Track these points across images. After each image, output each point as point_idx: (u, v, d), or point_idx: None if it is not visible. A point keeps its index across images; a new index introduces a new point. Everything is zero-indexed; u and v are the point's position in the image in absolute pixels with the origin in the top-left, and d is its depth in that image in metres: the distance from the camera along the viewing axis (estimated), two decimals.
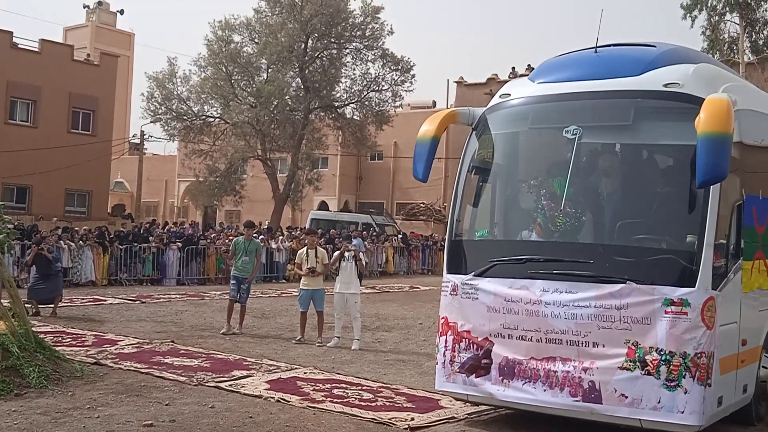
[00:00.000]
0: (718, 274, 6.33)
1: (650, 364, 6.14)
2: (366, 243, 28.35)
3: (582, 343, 6.40)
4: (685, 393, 6.05)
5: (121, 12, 70.94)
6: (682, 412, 6.04)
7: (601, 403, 6.30)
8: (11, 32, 36.69)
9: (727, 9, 35.67)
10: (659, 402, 6.10)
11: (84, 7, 69.93)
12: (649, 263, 6.37)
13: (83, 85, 38.06)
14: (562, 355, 6.49)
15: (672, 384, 6.07)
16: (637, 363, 6.18)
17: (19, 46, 37.07)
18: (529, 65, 41.72)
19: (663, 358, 6.10)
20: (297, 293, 13.38)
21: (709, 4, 35.38)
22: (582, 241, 6.87)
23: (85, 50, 49.69)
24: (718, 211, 6.25)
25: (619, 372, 6.24)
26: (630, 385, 6.19)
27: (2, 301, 9.85)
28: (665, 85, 6.62)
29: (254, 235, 15.08)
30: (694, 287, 6.12)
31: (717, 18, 35.79)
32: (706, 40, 35.65)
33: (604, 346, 6.32)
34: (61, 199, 37.31)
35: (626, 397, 6.21)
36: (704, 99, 6.17)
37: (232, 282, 13.70)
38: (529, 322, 6.65)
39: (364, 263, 13.88)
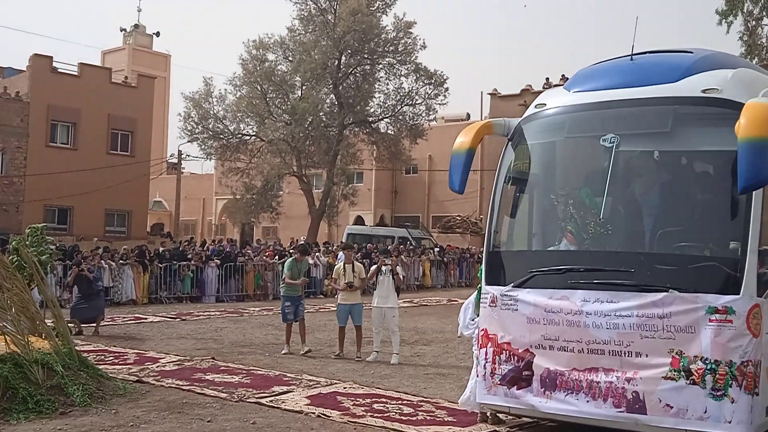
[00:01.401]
0: (763, 280, 6.20)
1: (695, 373, 6.03)
2: (402, 257, 28.30)
3: (625, 353, 6.31)
4: (732, 402, 5.93)
5: (157, 34, 72.13)
6: (730, 422, 5.92)
7: (646, 414, 6.19)
8: (51, 57, 37.57)
9: (765, 13, 35.18)
10: (705, 412, 5.99)
11: (121, 31, 71.27)
12: (691, 271, 6.27)
13: (121, 107, 38.77)
14: (604, 365, 6.41)
15: (718, 393, 5.96)
16: (682, 372, 6.07)
17: (59, 70, 37.92)
18: (563, 75, 41.44)
19: (708, 367, 5.99)
20: (335, 308, 13.39)
21: (745, 9, 34.92)
22: (622, 250, 6.80)
23: (123, 72, 50.54)
24: (762, 217, 6.14)
25: (664, 382, 6.13)
26: (675, 395, 6.08)
27: (46, 320, 10.01)
28: (703, 91, 6.53)
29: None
30: (738, 294, 6.00)
31: (754, 23, 35.30)
32: (744, 45, 35.16)
33: (647, 356, 6.22)
34: (101, 220, 37.96)
35: (671, 408, 6.10)
36: (744, 104, 6.08)
37: (287, 304, 13.15)
38: (570, 333, 6.57)
39: (401, 277, 13.86)
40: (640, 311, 6.24)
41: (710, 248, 6.51)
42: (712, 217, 6.66)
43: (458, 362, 12.15)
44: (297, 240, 36.03)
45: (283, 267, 26.00)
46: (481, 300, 7.37)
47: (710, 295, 6.07)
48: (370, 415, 8.17)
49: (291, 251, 28.19)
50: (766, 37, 36.15)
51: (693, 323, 6.08)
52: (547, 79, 41.39)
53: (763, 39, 35.93)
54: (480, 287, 8.54)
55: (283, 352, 12.90)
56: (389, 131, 41.19)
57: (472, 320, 8.33)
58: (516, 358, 6.91)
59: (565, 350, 6.61)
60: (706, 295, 6.08)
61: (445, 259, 33.03)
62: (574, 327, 6.55)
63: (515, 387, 6.91)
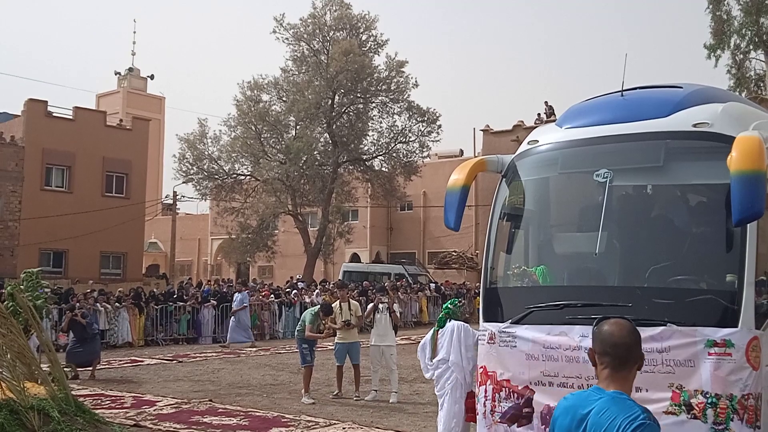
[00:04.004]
0: (761, 312, 6.19)
1: (696, 407, 5.99)
2: (399, 293, 28.24)
3: None
4: None
5: (152, 77, 72.78)
6: None
7: None
8: (46, 101, 37.76)
9: (752, 47, 35.64)
10: None
11: (115, 74, 71.93)
12: (689, 305, 6.26)
13: (116, 150, 38.89)
14: None
15: (720, 427, 5.91)
16: (683, 407, 6.03)
17: (54, 114, 38.07)
18: (546, 102, 41.99)
19: (709, 401, 5.95)
20: (332, 347, 13.33)
21: (732, 44, 35.38)
22: (619, 285, 6.80)
23: (118, 115, 50.86)
24: (757, 249, 6.16)
25: (665, 416, 6.08)
26: (676, 429, 6.03)
27: (42, 365, 9.94)
28: (694, 125, 6.58)
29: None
30: (737, 327, 5.99)
31: (741, 56, 35.74)
32: (732, 79, 35.57)
33: (647, 391, 6.18)
34: (96, 262, 37.85)
35: None
36: (735, 137, 6.13)
37: (304, 345, 12.78)
38: (569, 369, 6.54)
39: (398, 315, 13.83)
40: None
41: (707, 281, 6.52)
42: (707, 251, 6.67)
43: None
44: (294, 278, 36.01)
45: (280, 307, 26.07)
46: (480, 337, 7.35)
47: (708, 329, 6.05)
48: None
49: (286, 291, 28.16)
50: (754, 70, 36.57)
51: (692, 357, 6.06)
52: (539, 114, 41.80)
53: (751, 72, 36.35)
54: (435, 328, 8.59)
55: (309, 401, 12.08)
56: (383, 169, 41.39)
57: (431, 361, 8.36)
58: (516, 395, 6.87)
59: (564, 386, 6.56)
60: (704, 328, 6.06)
61: (442, 295, 32.98)
62: (573, 363, 6.52)
63: (516, 425, 6.85)
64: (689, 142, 6.71)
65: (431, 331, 8.61)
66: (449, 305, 8.81)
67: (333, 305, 13.21)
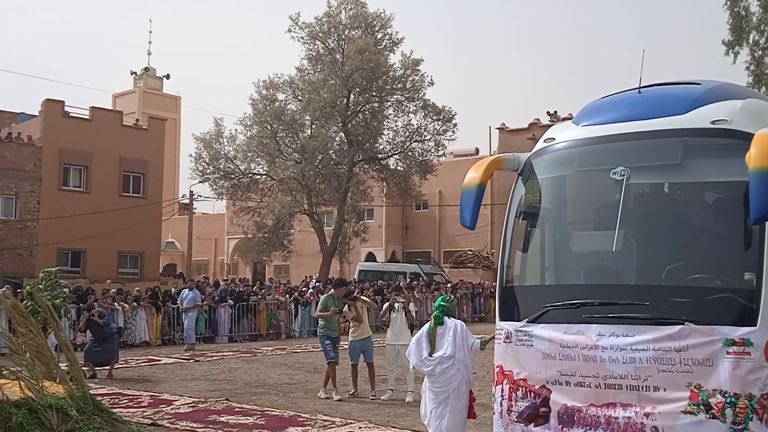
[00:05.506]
0: None
1: (715, 407, 5.94)
2: (415, 292, 28.22)
3: (642, 388, 6.23)
4: None
5: (167, 76, 73.00)
6: None
7: None
8: (63, 102, 37.99)
9: None
10: None
11: (131, 74, 72.23)
12: (706, 303, 6.21)
13: (133, 149, 39.09)
14: (622, 400, 6.32)
15: (739, 427, 5.86)
16: (701, 406, 5.98)
17: (71, 114, 38.32)
18: (548, 111, 41.99)
19: (728, 401, 5.90)
20: (347, 346, 13.33)
21: (750, 40, 35.03)
22: (636, 283, 6.75)
23: (134, 115, 51.11)
24: None
25: (683, 416, 6.03)
26: (695, 429, 5.98)
27: (60, 364, 10.01)
28: (713, 122, 6.52)
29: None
30: (755, 326, 5.93)
31: (760, 53, 35.39)
32: (751, 75, 35.22)
33: (665, 390, 6.14)
34: (114, 262, 38.08)
35: None
36: (753, 134, 6.07)
37: (327, 342, 12.71)
38: (586, 368, 6.50)
39: (413, 314, 13.80)
40: (657, 345, 6.17)
41: (725, 280, 6.45)
42: (725, 249, 6.60)
43: None
44: (309, 277, 36.06)
45: (296, 306, 26.07)
46: (496, 336, 7.32)
47: (726, 327, 5.99)
48: None
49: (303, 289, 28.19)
50: None
51: (710, 356, 6.00)
52: (555, 112, 41.70)
53: None
54: (432, 324, 8.55)
55: (323, 396, 12.23)
56: (399, 167, 41.38)
57: (431, 357, 8.33)
58: (532, 394, 6.83)
59: (581, 386, 6.52)
60: (722, 327, 6.00)
61: (457, 294, 32.90)
62: (590, 362, 6.48)
63: (532, 424, 6.81)
64: (707, 140, 6.64)
65: (426, 326, 8.56)
66: (444, 303, 8.75)
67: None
